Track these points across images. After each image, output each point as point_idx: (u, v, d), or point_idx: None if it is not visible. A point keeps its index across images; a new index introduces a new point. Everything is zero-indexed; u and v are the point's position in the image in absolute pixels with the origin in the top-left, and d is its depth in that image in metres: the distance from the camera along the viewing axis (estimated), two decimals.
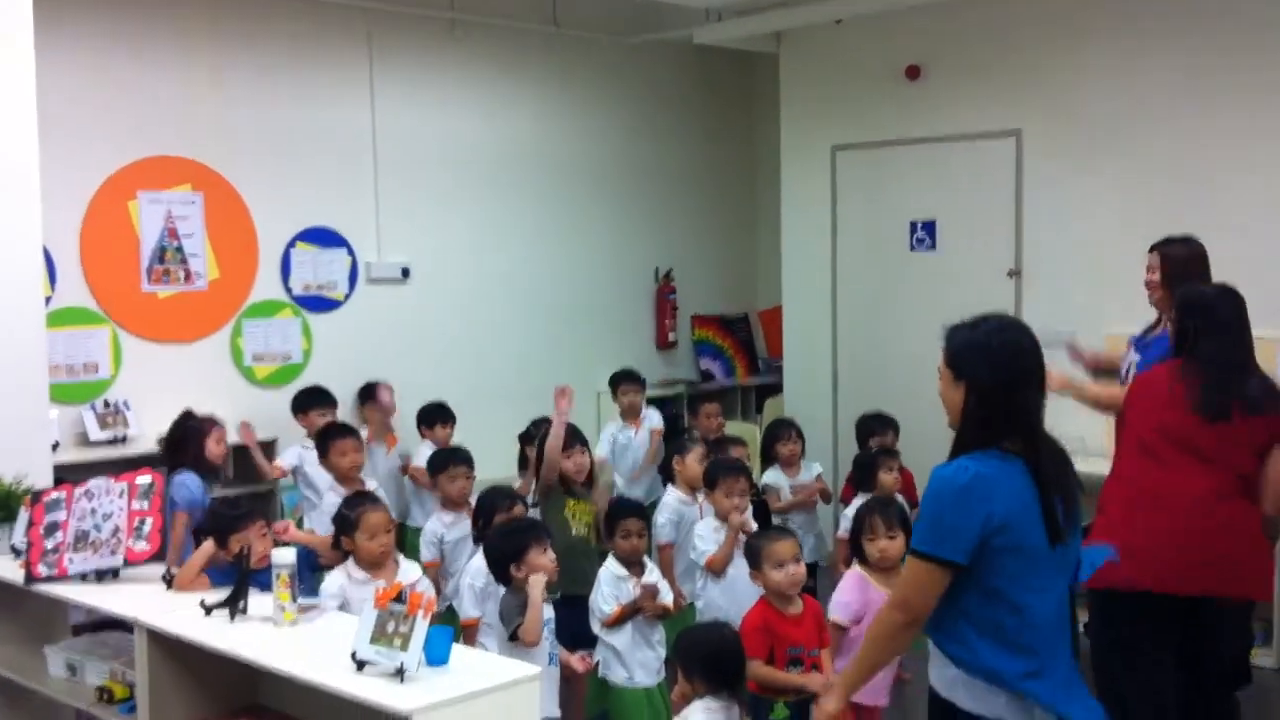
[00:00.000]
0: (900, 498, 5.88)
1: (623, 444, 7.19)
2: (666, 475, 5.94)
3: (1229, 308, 4.31)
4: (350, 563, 4.58)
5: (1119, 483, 4.42)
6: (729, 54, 9.18)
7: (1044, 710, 2.95)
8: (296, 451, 6.48)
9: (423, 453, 6.65)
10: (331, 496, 5.78)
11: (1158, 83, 6.78)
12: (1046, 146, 7.23)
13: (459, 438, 6.82)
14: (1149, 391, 4.39)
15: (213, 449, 5.87)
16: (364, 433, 6.42)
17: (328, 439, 5.99)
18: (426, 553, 5.62)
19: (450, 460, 5.80)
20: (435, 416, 6.94)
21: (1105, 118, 6.97)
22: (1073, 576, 3.10)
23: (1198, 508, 4.20)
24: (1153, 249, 5.05)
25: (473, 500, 5.41)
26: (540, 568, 4.37)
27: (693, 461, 5.70)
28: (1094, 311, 6.58)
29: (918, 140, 7.74)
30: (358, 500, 4.81)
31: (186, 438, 5.92)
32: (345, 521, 4.58)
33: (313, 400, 6.72)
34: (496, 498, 5.14)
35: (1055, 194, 7.20)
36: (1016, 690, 2.94)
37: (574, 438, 5.59)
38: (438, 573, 5.56)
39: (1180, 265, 4.81)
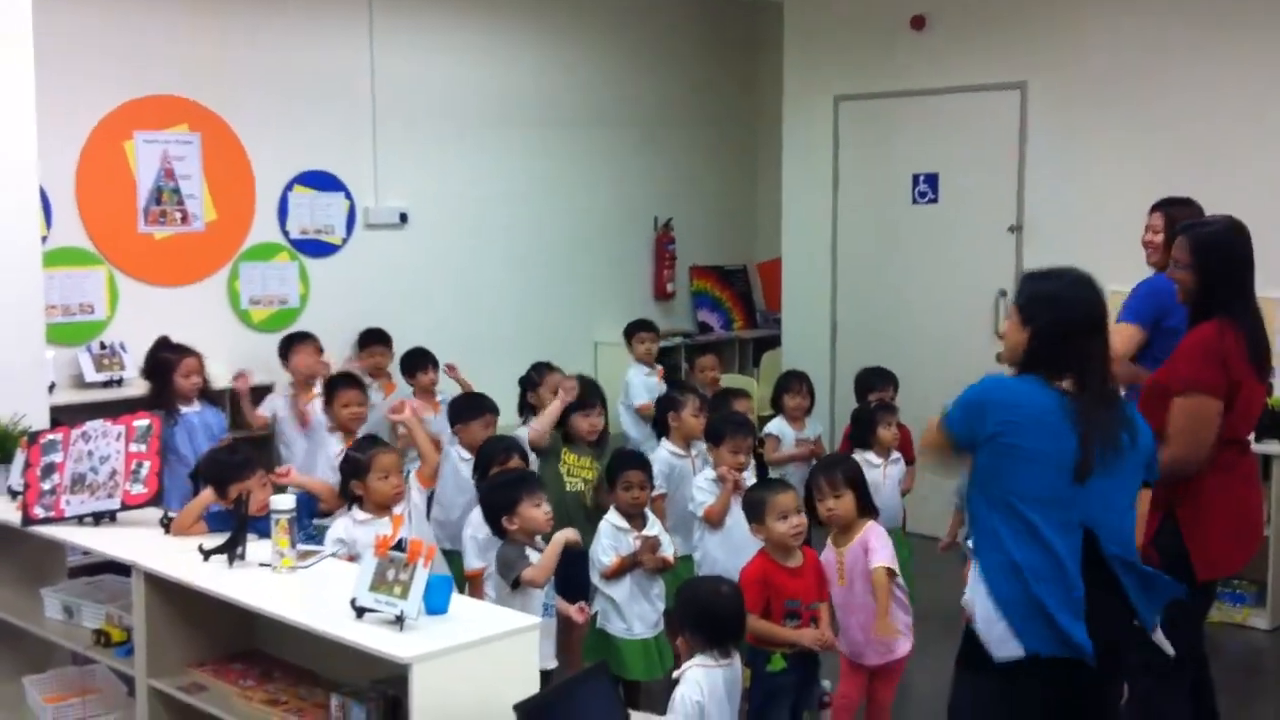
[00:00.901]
0: (898, 453, 5.89)
1: (653, 388, 7.19)
2: (660, 428, 5.90)
3: (1246, 245, 4.09)
4: (355, 509, 4.56)
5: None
6: (733, 0, 9.07)
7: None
8: (272, 401, 6.47)
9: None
10: (300, 443, 5.88)
11: (1166, 36, 6.72)
12: (1051, 100, 7.17)
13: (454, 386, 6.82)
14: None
15: (180, 382, 5.86)
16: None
17: (334, 387, 5.96)
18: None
19: (476, 408, 5.75)
20: (418, 362, 6.87)
21: (1112, 71, 6.91)
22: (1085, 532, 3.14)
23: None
24: (1155, 208, 4.97)
25: None
26: (531, 519, 4.36)
27: (688, 416, 5.67)
28: (1095, 267, 6.37)
29: (922, 92, 7.66)
30: (368, 443, 4.79)
31: (156, 369, 5.93)
32: (356, 465, 4.55)
33: (297, 342, 6.63)
34: (494, 448, 5.12)
35: (1059, 148, 7.15)
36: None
37: (593, 395, 5.58)
38: None
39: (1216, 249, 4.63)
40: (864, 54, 7.92)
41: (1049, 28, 7.13)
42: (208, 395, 6.07)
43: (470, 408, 5.79)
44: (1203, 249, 4.01)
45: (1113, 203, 6.77)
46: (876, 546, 4.35)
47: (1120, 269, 5.83)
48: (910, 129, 7.77)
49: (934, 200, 7.70)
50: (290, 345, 6.59)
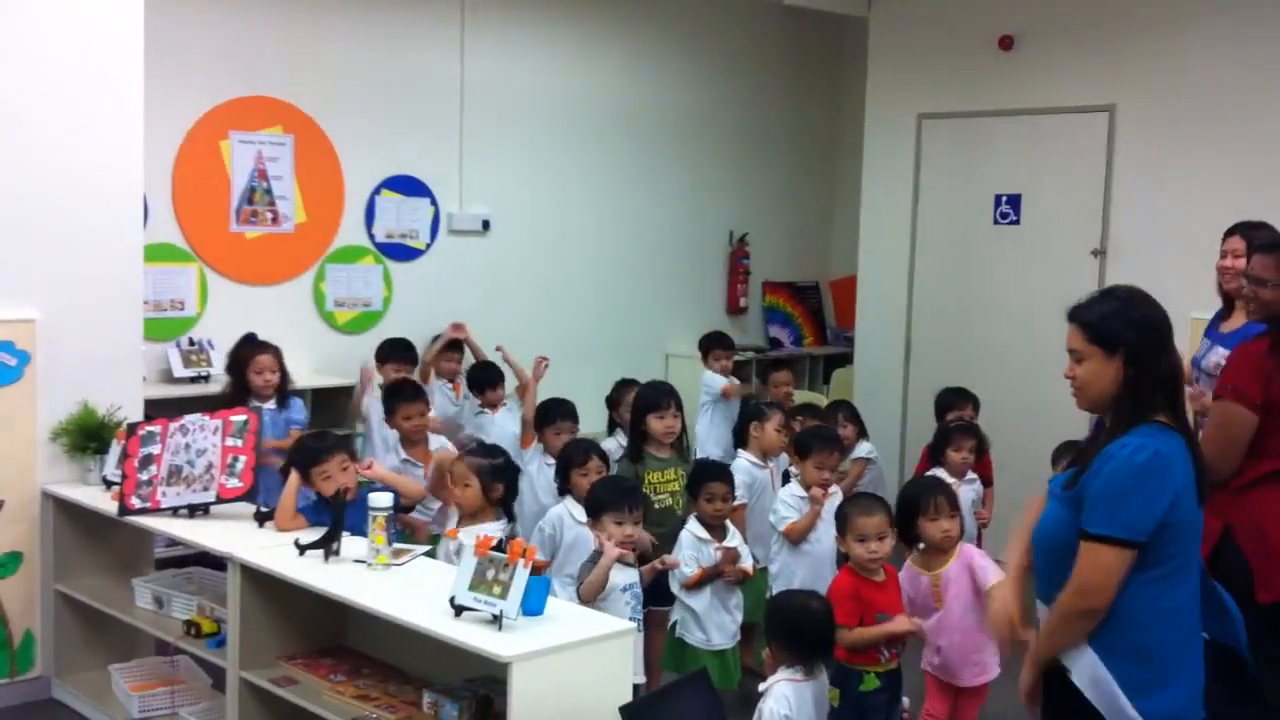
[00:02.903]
0: (976, 476, 5.85)
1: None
2: (740, 439, 5.91)
3: None
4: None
5: None
6: (818, 16, 9.06)
7: None
8: (368, 401, 6.54)
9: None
10: (391, 458, 5.74)
11: (1259, 62, 6.64)
12: (1140, 124, 7.10)
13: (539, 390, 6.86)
14: None
15: (253, 379, 5.90)
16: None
17: (395, 399, 5.83)
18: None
19: (556, 414, 5.80)
20: (488, 378, 6.72)
21: (1203, 96, 6.84)
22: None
23: None
24: (1234, 232, 4.86)
25: None
26: (611, 535, 4.33)
27: (771, 429, 5.67)
28: (1179, 295, 6.42)
29: (1007, 112, 7.61)
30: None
31: (234, 365, 6.00)
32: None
33: (392, 352, 6.69)
34: (573, 451, 5.14)
35: (1146, 173, 7.08)
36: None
37: (667, 396, 5.48)
38: None
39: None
40: (949, 73, 7.89)
41: (1138, 50, 7.07)
42: (285, 392, 6.04)
43: (545, 415, 5.85)
44: None
45: (1198, 228, 6.68)
46: (984, 565, 4.38)
47: (1206, 296, 5.79)
48: (994, 149, 7.73)
49: (1016, 222, 7.66)
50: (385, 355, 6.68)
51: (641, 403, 5.52)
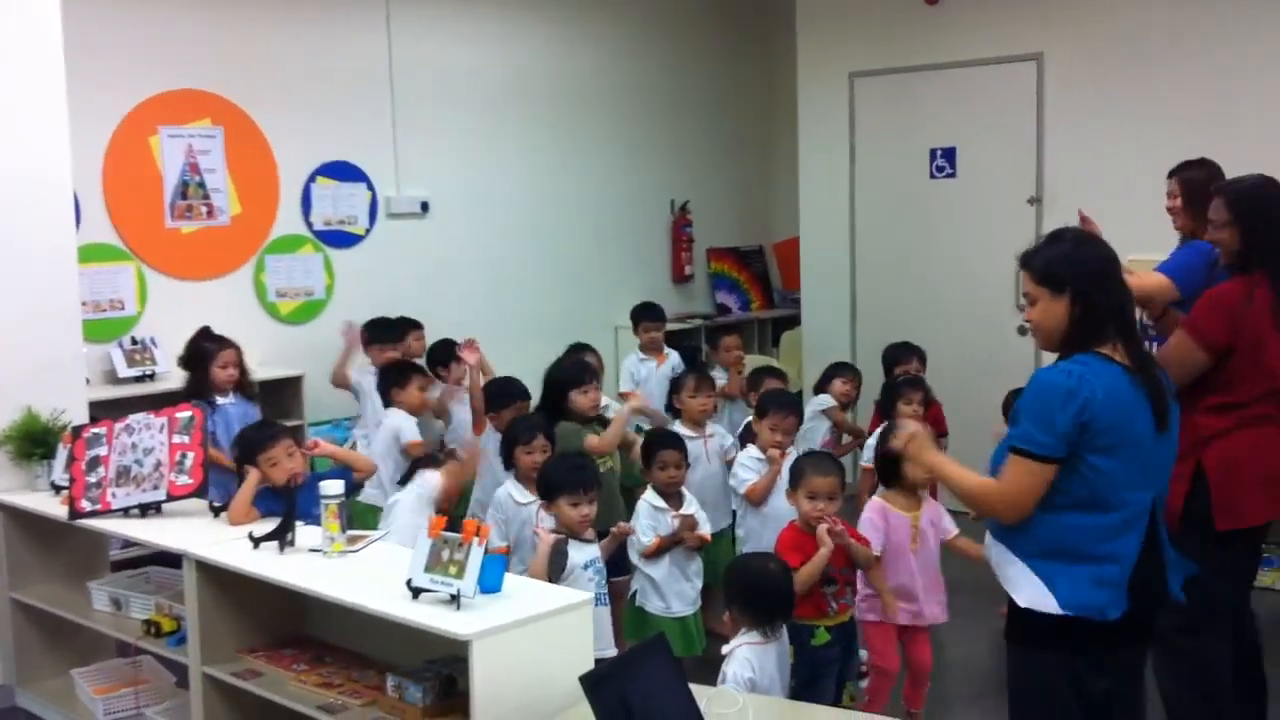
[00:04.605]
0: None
1: (643, 376, 7.17)
2: (674, 412, 5.96)
3: None
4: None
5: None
6: None
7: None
8: (355, 374, 6.59)
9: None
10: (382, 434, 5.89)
11: (1183, 4, 6.73)
12: (1068, 71, 7.18)
13: None
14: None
15: (217, 373, 5.91)
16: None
17: (404, 374, 6.06)
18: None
19: (506, 393, 5.78)
20: (446, 355, 6.75)
21: (1127, 39, 6.92)
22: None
23: None
24: (1171, 174, 4.93)
25: None
26: (563, 517, 4.37)
27: (686, 396, 5.73)
28: (1117, 237, 6.41)
29: (937, 66, 7.67)
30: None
31: (195, 359, 5.99)
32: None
33: (377, 333, 6.70)
34: (519, 428, 5.13)
35: (1077, 119, 7.16)
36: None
37: (586, 372, 5.62)
38: None
39: (1200, 187, 4.62)
40: (878, 30, 7.93)
41: None
42: (244, 387, 6.08)
43: (501, 394, 5.84)
44: (1241, 203, 4.00)
45: (1132, 171, 6.77)
46: (946, 520, 4.62)
47: (1142, 238, 5.84)
48: (926, 104, 7.78)
49: (952, 175, 7.72)
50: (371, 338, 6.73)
51: (563, 377, 5.58)
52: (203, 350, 5.98)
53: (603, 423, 5.63)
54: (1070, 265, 3.11)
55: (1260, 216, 3.99)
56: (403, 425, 5.82)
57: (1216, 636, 4.01)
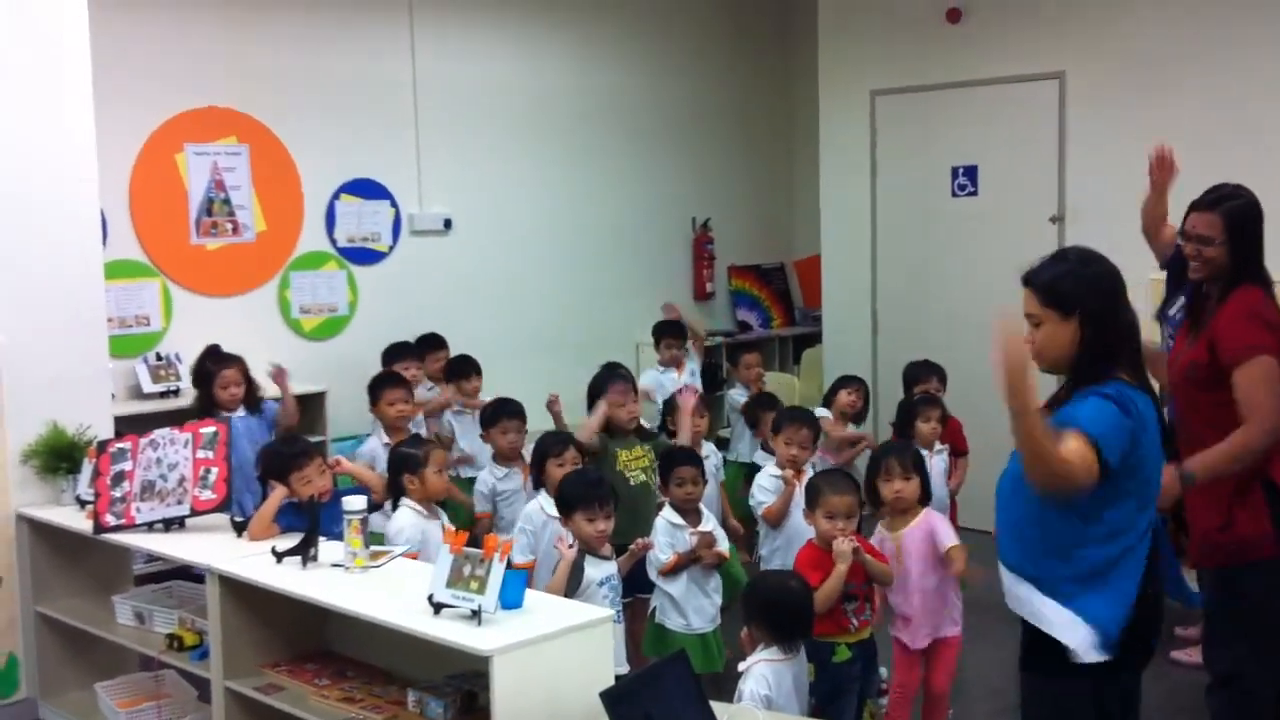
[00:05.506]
0: (945, 445, 5.91)
1: (665, 386, 7.19)
2: (668, 433, 5.99)
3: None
4: (410, 501, 4.62)
5: None
6: None
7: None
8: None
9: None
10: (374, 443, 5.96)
11: (1205, 23, 6.73)
12: (1090, 89, 7.18)
13: (505, 389, 6.86)
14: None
15: (219, 394, 5.96)
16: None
17: (378, 388, 6.10)
18: (479, 505, 5.67)
19: (501, 413, 5.80)
20: (464, 369, 6.89)
21: (1149, 58, 6.92)
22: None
23: None
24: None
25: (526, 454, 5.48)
26: (578, 532, 4.37)
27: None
28: (1138, 256, 6.53)
29: (959, 84, 7.68)
30: (420, 440, 4.87)
31: (199, 378, 6.06)
32: (412, 460, 4.62)
33: (400, 353, 6.81)
34: (549, 443, 5.16)
35: (1099, 137, 7.16)
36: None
37: (625, 382, 5.65)
38: (490, 524, 5.59)
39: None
40: (900, 47, 7.95)
41: (1085, 16, 7.14)
42: (253, 402, 6.10)
43: (491, 415, 5.85)
44: (1240, 221, 3.93)
45: None
46: (943, 529, 4.48)
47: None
48: (948, 122, 7.79)
49: (974, 193, 7.72)
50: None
51: (597, 387, 5.62)
52: (206, 371, 6.04)
53: (641, 434, 5.64)
54: (1079, 285, 2.99)
55: (1255, 233, 3.97)
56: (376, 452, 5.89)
57: (1266, 660, 3.97)
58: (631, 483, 5.32)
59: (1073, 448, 2.85)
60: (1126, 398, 2.93)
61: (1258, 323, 3.84)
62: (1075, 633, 2.98)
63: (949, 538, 4.47)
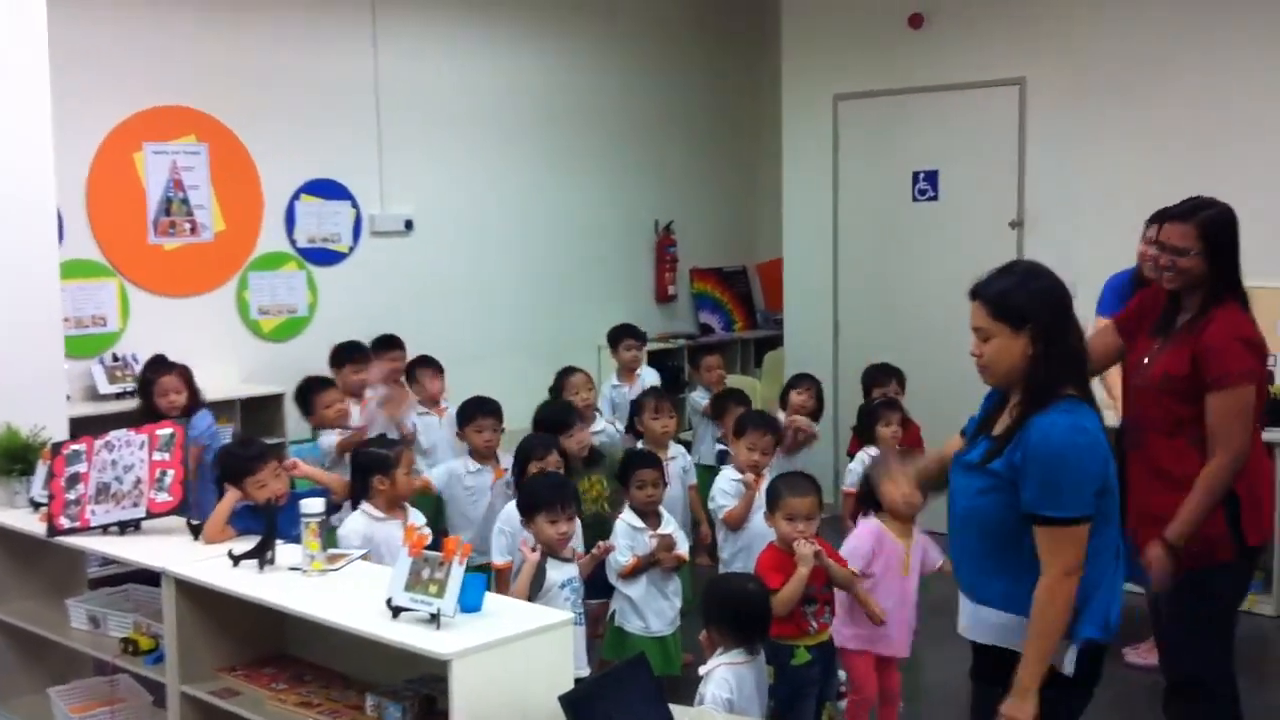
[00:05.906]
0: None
1: (618, 402, 7.15)
2: (637, 435, 5.97)
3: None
4: (368, 505, 4.59)
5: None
6: (731, 1, 9.14)
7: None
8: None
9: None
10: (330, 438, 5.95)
11: (1164, 29, 6.80)
12: (1050, 95, 7.24)
13: (466, 391, 6.83)
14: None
15: (158, 401, 5.88)
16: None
17: (307, 398, 6.13)
18: (436, 481, 5.65)
19: (478, 412, 5.76)
20: (423, 370, 6.80)
21: (1110, 66, 6.98)
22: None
23: None
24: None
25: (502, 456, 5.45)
26: (540, 535, 4.36)
27: (647, 419, 5.81)
28: (1097, 262, 6.60)
29: (921, 89, 7.73)
30: (391, 441, 4.84)
31: (141, 386, 6.01)
32: (385, 460, 4.59)
33: (347, 355, 6.67)
34: (533, 445, 5.12)
35: (1059, 143, 7.22)
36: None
37: (572, 415, 5.66)
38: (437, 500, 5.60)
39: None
40: (862, 53, 7.98)
41: (1046, 23, 7.20)
42: (191, 411, 5.96)
43: (466, 414, 5.82)
44: (1215, 231, 3.87)
45: (1112, 196, 6.84)
46: (933, 552, 4.62)
47: (1121, 263, 5.90)
48: (910, 127, 7.83)
49: (934, 198, 7.77)
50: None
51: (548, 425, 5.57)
52: (146, 379, 5.98)
53: (592, 460, 5.59)
54: (1031, 299, 2.96)
55: (1232, 243, 3.93)
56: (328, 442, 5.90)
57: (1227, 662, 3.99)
58: (584, 510, 5.27)
59: (1061, 552, 2.90)
60: (1082, 427, 2.92)
61: (1249, 347, 3.83)
62: (1068, 654, 3.00)
63: (939, 557, 4.59)
